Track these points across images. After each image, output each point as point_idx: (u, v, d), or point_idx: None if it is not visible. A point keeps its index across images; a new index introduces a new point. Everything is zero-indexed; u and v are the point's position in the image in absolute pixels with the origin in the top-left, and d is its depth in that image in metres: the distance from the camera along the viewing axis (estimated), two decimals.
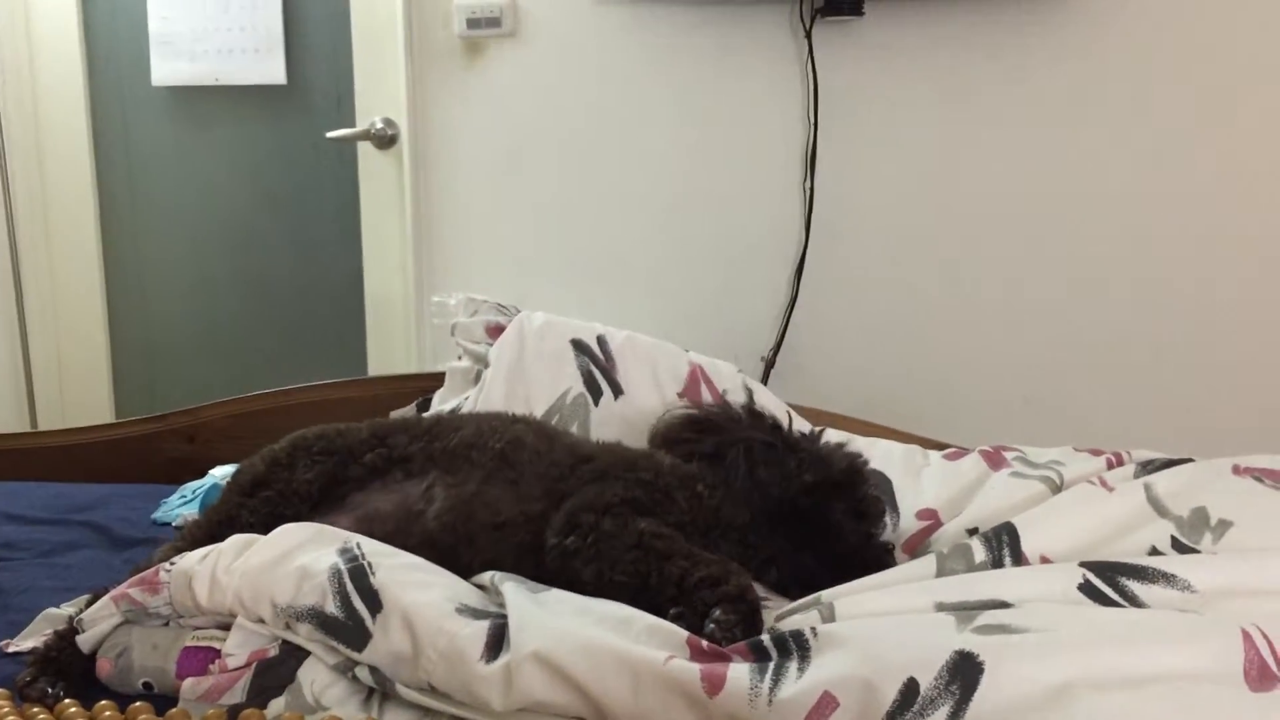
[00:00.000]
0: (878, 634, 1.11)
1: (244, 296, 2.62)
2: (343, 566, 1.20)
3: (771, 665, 1.06)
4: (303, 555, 1.23)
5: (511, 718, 1.12)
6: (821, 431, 1.64)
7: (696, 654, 1.10)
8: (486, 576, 1.29)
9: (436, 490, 1.40)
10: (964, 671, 1.01)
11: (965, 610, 1.14)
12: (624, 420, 1.73)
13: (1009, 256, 2.09)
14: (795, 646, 1.08)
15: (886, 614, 1.18)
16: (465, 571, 1.32)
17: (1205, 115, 1.96)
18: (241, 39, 2.45)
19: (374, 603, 1.17)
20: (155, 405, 2.37)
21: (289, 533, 1.28)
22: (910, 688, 1.01)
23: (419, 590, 1.19)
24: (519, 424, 1.51)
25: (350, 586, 1.18)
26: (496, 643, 1.14)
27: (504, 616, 1.17)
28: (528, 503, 1.36)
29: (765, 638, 1.12)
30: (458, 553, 1.34)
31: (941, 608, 1.17)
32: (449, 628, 1.15)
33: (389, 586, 1.19)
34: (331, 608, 1.18)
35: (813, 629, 1.12)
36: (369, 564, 1.21)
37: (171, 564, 1.26)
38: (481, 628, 1.15)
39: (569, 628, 1.12)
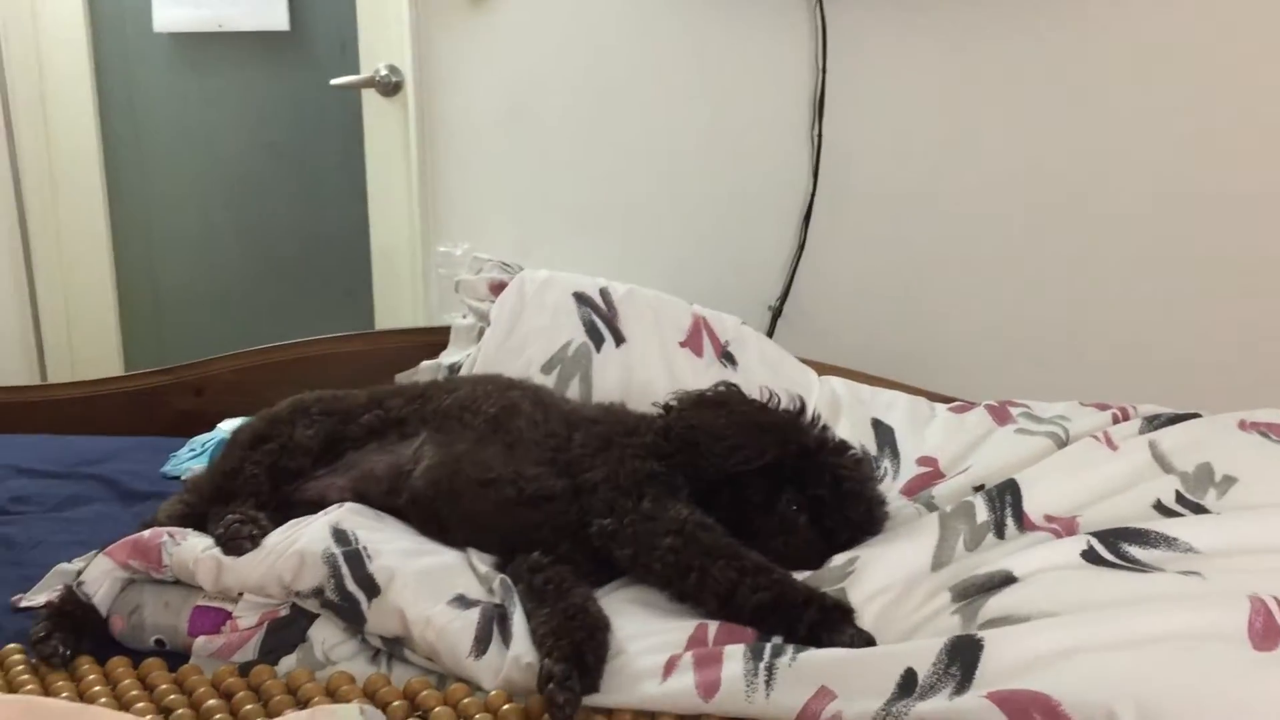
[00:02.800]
0: (874, 624, 1.13)
1: (250, 247, 2.62)
2: (338, 552, 1.21)
3: (765, 661, 1.07)
4: (300, 540, 1.24)
5: None
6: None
7: (697, 651, 1.10)
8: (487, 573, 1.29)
9: (426, 449, 1.41)
10: (963, 652, 1.03)
11: (969, 598, 1.16)
12: (625, 367, 1.73)
13: (1022, 206, 2.06)
14: (794, 648, 1.09)
15: (889, 589, 1.20)
16: (444, 529, 1.34)
17: (1222, 72, 1.92)
18: None
19: (370, 588, 1.19)
20: (164, 357, 2.37)
21: (285, 529, 1.29)
22: (908, 677, 1.02)
23: (412, 577, 1.20)
24: (514, 390, 1.51)
25: (345, 572, 1.20)
26: (486, 635, 1.15)
27: (497, 605, 1.19)
28: (522, 464, 1.36)
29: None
30: (439, 509, 1.35)
31: (952, 592, 1.18)
32: (438, 621, 1.16)
33: (383, 573, 1.20)
34: (329, 593, 1.19)
35: None
36: (364, 549, 1.22)
37: (176, 542, 1.27)
38: (471, 620, 1.16)
39: None
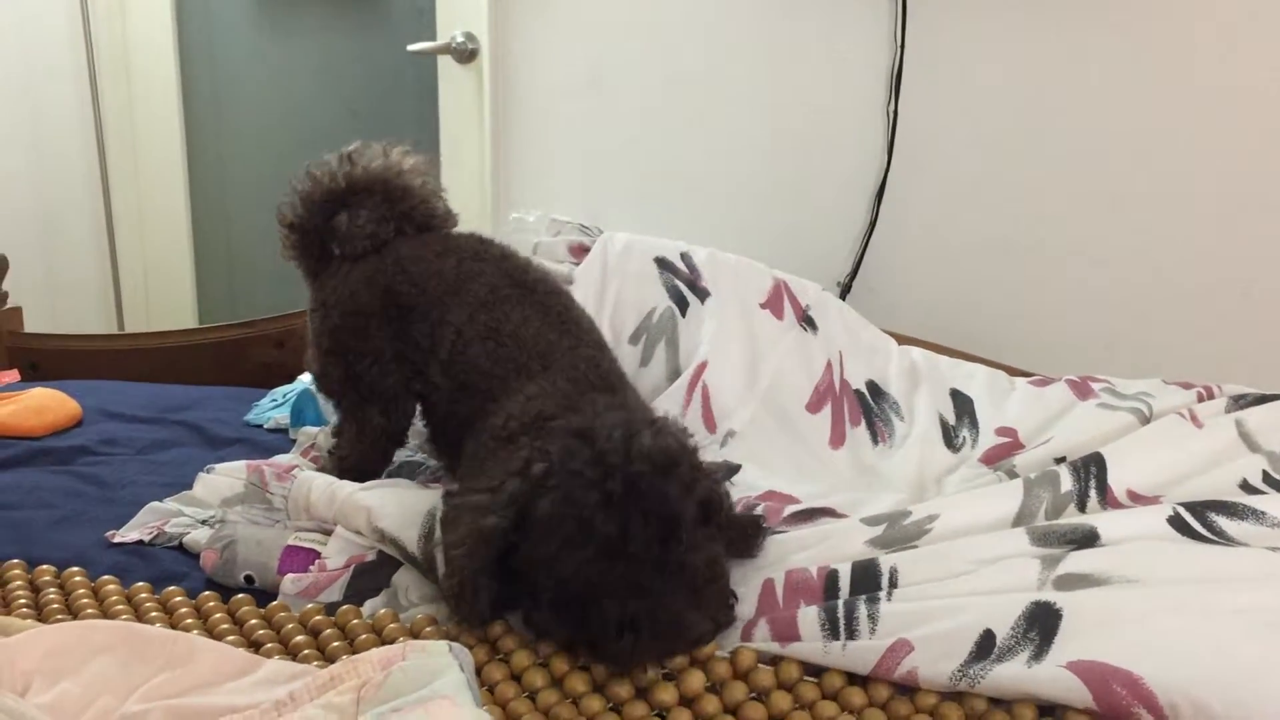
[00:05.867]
0: (953, 586, 1.12)
1: None
2: (439, 513, 1.21)
3: (842, 613, 1.08)
4: (415, 500, 1.26)
5: None
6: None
7: (770, 616, 1.11)
8: None
9: None
10: (1042, 618, 1.03)
11: (1051, 548, 1.15)
12: (712, 319, 1.72)
13: (1099, 190, 2.04)
14: (866, 600, 1.10)
15: (973, 534, 1.19)
16: None
17: None
18: None
19: None
20: (236, 311, 2.42)
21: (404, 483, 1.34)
22: (986, 639, 1.02)
23: None
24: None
25: (439, 534, 1.20)
26: None
27: None
28: None
29: (844, 570, 1.14)
30: None
31: (1031, 534, 1.18)
32: None
33: None
34: (412, 546, 1.21)
35: (891, 575, 1.13)
36: None
37: (303, 468, 1.34)
38: None
39: None
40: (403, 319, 1.39)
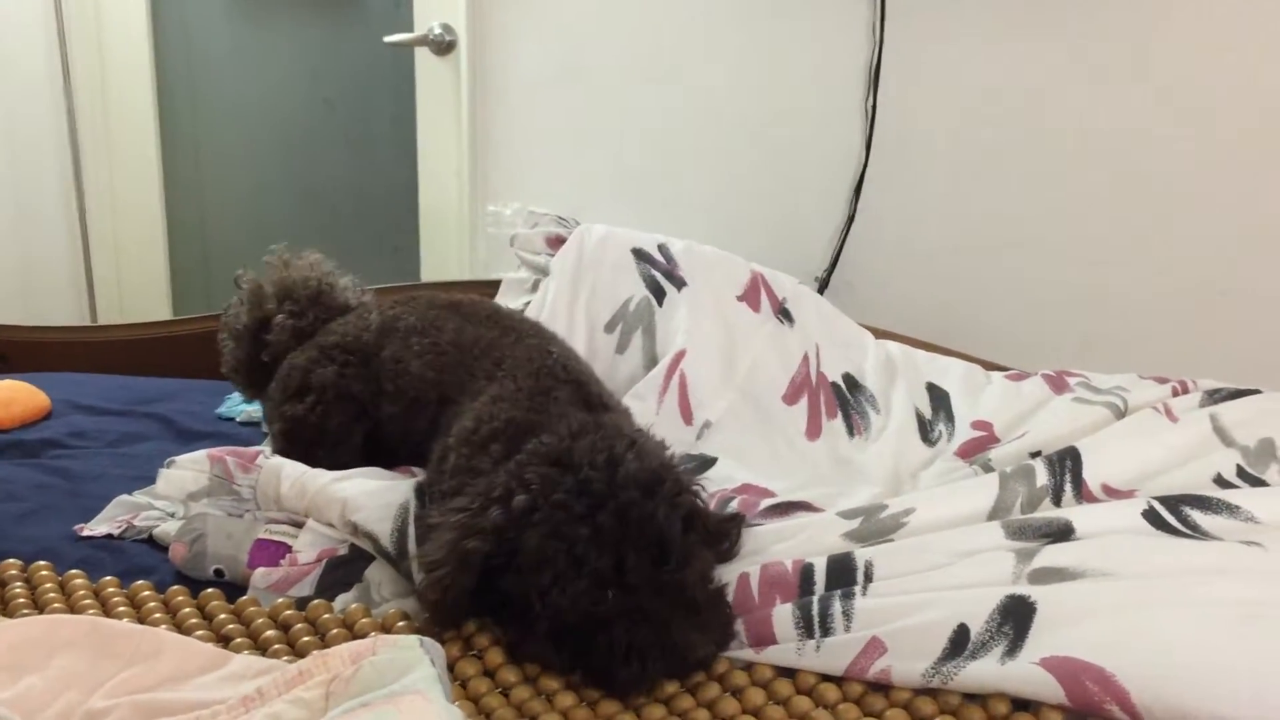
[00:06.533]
0: (929, 580, 1.12)
1: (299, 201, 2.63)
2: (412, 507, 1.22)
3: (817, 610, 1.08)
4: (389, 493, 1.25)
5: None
6: None
7: (748, 618, 1.11)
8: None
9: None
10: (1016, 612, 1.03)
11: (1026, 542, 1.15)
12: (689, 308, 1.71)
13: (1078, 185, 2.04)
14: (841, 596, 1.10)
15: (949, 527, 1.19)
16: None
17: None
18: None
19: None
20: (212, 306, 2.39)
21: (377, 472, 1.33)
22: (960, 634, 1.02)
23: None
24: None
25: (411, 529, 1.20)
26: None
27: None
28: None
29: (820, 565, 1.13)
30: None
31: (1007, 528, 1.18)
32: None
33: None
34: (385, 540, 1.20)
35: (866, 569, 1.13)
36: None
37: (267, 455, 1.32)
38: None
39: None
40: (346, 360, 1.45)
